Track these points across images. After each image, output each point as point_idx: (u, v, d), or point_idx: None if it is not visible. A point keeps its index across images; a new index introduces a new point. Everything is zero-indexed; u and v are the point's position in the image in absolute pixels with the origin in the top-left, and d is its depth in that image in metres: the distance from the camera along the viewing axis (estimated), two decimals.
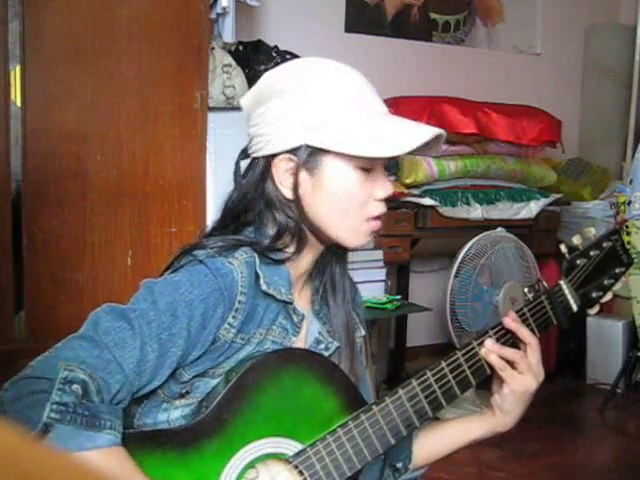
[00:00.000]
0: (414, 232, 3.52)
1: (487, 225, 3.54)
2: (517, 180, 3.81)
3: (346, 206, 1.07)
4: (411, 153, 1.05)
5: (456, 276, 3.29)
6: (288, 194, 1.08)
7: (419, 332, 4.01)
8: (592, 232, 1.25)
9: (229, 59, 2.86)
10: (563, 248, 1.23)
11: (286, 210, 1.09)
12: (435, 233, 3.63)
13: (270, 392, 1.03)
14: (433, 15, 4.14)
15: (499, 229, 3.42)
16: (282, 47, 3.16)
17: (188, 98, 2.62)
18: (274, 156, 1.08)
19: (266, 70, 1.13)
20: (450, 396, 1.13)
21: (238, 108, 2.81)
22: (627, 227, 3.13)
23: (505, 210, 3.73)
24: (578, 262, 1.24)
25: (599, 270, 1.25)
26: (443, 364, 1.13)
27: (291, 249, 1.10)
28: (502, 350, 1.14)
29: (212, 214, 1.07)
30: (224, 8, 2.85)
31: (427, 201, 3.51)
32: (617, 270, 1.26)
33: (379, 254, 3.27)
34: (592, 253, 1.25)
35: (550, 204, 3.92)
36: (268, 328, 1.08)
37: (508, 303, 3.28)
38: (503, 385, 1.16)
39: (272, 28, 3.51)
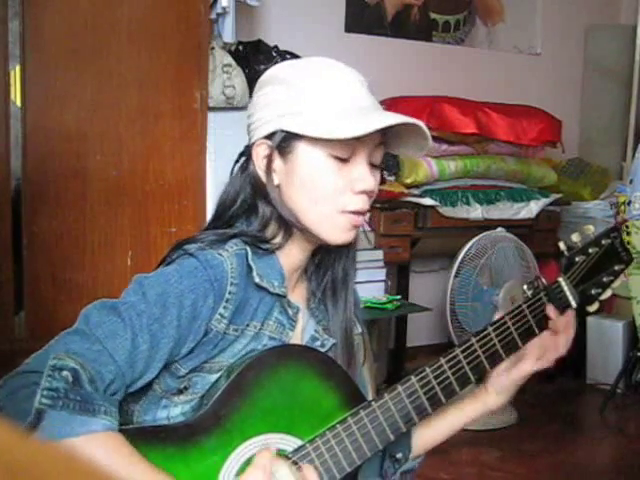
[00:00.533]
0: (414, 232, 3.52)
1: (487, 225, 3.54)
2: (517, 180, 3.81)
3: (316, 193, 1.06)
4: (397, 152, 1.06)
5: (456, 276, 3.29)
6: (265, 180, 1.09)
7: (419, 332, 4.01)
8: (591, 230, 1.25)
9: (229, 59, 2.86)
10: (562, 245, 1.23)
11: (267, 198, 1.09)
12: (435, 233, 3.63)
13: (269, 388, 1.03)
14: (433, 15, 4.14)
15: (499, 229, 3.42)
16: (282, 47, 3.16)
17: (188, 98, 2.62)
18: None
19: (266, 70, 1.14)
20: (449, 392, 1.13)
21: (238, 108, 2.81)
22: (627, 227, 3.13)
23: (505, 210, 3.73)
24: (577, 259, 1.24)
25: (598, 267, 1.25)
26: (442, 361, 1.13)
27: (278, 239, 1.10)
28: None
29: (212, 214, 1.09)
30: (224, 8, 2.85)
31: (427, 201, 3.51)
32: (616, 267, 1.26)
33: (379, 254, 3.27)
34: (591, 250, 1.25)
35: (550, 204, 3.92)
36: (263, 322, 1.08)
37: (508, 303, 3.28)
38: (518, 364, 1.19)
39: (272, 28, 3.51)
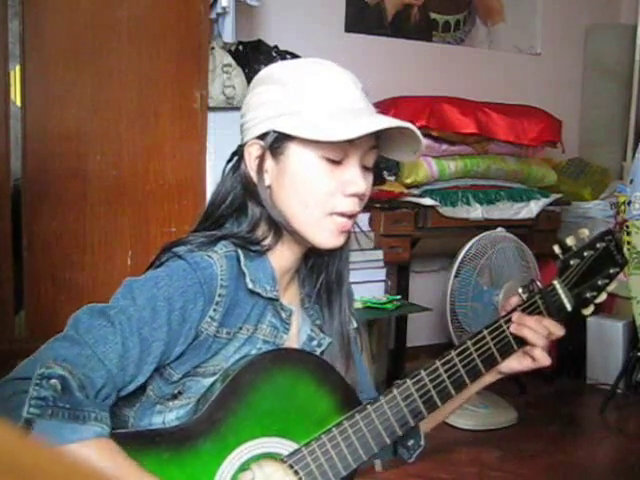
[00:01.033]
0: (414, 232, 3.53)
1: (487, 225, 3.54)
2: (517, 180, 3.81)
3: (307, 195, 1.06)
4: (391, 156, 1.08)
5: (456, 276, 3.29)
6: (256, 180, 1.09)
7: (419, 332, 4.02)
8: (586, 233, 1.25)
9: (229, 59, 2.86)
10: (557, 249, 1.24)
11: (258, 198, 1.09)
12: (435, 233, 3.63)
13: (265, 392, 1.03)
14: (433, 15, 4.14)
15: (499, 229, 3.42)
16: (282, 47, 3.16)
17: (188, 98, 2.62)
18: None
19: None
20: (445, 395, 1.13)
21: (238, 108, 2.80)
22: (627, 227, 3.13)
23: (505, 210, 3.73)
24: (572, 262, 1.24)
25: (593, 270, 1.25)
26: (438, 364, 1.13)
27: (268, 240, 1.10)
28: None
29: (202, 213, 1.09)
30: (224, 8, 2.85)
31: (427, 201, 3.51)
32: (611, 270, 1.26)
33: (379, 254, 3.27)
34: (586, 254, 1.25)
35: (550, 204, 3.92)
36: (256, 325, 1.08)
37: None
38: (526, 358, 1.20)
39: (272, 28, 3.51)
